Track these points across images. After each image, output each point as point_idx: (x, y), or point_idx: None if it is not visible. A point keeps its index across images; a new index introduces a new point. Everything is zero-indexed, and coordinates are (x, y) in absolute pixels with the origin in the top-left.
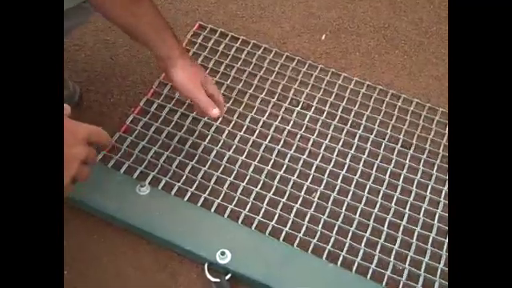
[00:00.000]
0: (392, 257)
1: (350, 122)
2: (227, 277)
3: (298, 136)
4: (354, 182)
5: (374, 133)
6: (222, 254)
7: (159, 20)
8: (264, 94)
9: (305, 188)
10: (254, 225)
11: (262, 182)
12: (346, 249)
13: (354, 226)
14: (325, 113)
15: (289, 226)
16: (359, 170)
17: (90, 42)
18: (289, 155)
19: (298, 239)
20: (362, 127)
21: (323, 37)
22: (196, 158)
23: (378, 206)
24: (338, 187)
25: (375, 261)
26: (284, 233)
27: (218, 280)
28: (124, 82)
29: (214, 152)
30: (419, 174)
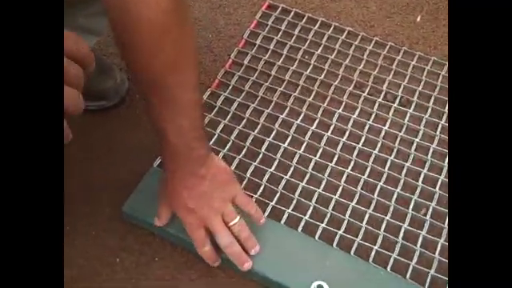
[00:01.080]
0: None
1: None
2: None
3: (399, 139)
4: None
5: None
6: (319, 287)
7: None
8: (352, 86)
9: (412, 203)
10: (354, 249)
11: (358, 194)
12: None
13: None
14: (429, 110)
15: (397, 251)
16: None
17: None
18: (389, 162)
19: (410, 268)
20: None
21: (418, 18)
22: (275, 163)
23: None
24: None
25: None
26: (392, 260)
27: None
28: None
29: (297, 157)
30: None
